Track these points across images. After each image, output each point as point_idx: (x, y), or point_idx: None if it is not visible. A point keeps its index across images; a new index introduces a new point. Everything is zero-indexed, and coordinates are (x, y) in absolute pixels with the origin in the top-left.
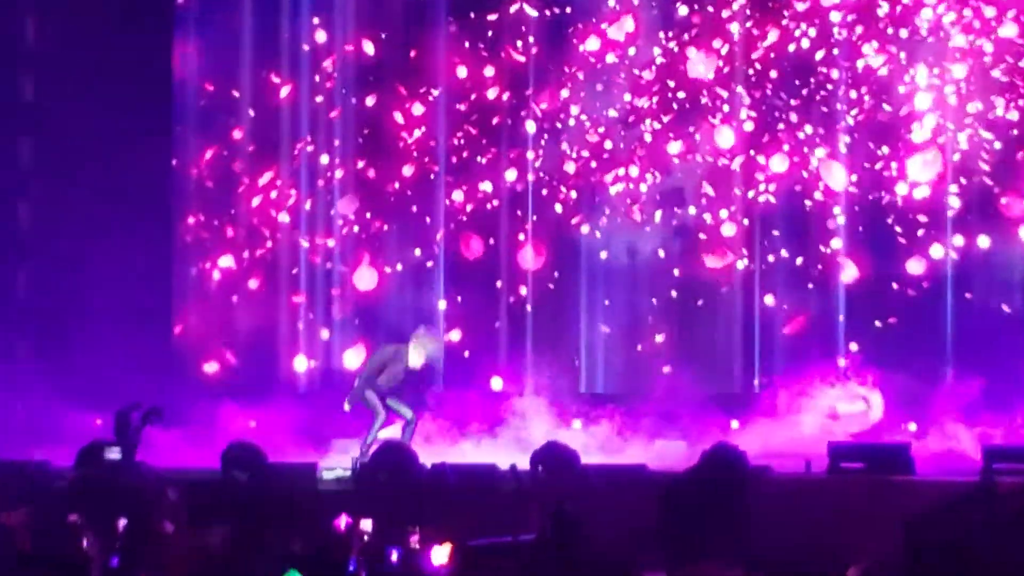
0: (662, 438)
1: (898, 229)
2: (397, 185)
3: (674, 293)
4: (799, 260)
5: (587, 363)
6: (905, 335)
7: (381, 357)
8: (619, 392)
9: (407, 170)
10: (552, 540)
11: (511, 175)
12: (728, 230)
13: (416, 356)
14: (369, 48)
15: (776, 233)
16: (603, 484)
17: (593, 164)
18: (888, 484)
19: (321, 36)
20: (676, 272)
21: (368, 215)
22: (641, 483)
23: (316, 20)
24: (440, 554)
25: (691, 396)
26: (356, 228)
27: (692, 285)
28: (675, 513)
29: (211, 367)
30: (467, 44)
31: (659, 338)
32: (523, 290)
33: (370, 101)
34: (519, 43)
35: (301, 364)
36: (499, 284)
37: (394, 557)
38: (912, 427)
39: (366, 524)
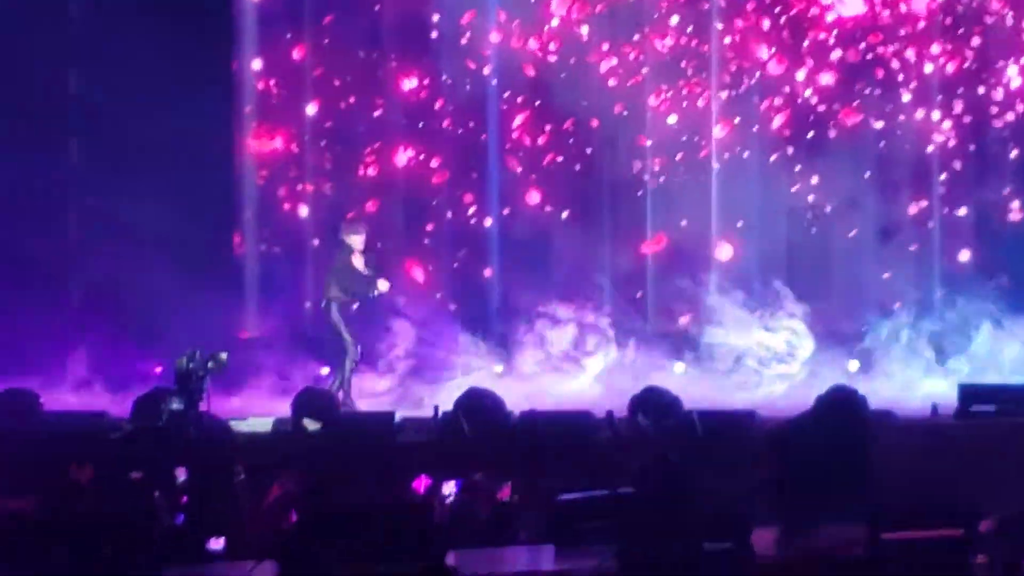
0: None
1: None
2: None
3: None
4: None
5: None
6: None
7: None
8: None
9: None
10: (653, 493)
11: None
12: None
13: (356, 243)
14: None
15: None
16: (709, 432)
17: None
18: None
19: None
20: None
21: None
22: (752, 430)
23: None
24: None
25: None
26: None
27: None
28: (789, 464)
29: None
30: None
31: None
32: None
33: None
34: None
35: None
36: None
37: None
38: None
39: (449, 487)
